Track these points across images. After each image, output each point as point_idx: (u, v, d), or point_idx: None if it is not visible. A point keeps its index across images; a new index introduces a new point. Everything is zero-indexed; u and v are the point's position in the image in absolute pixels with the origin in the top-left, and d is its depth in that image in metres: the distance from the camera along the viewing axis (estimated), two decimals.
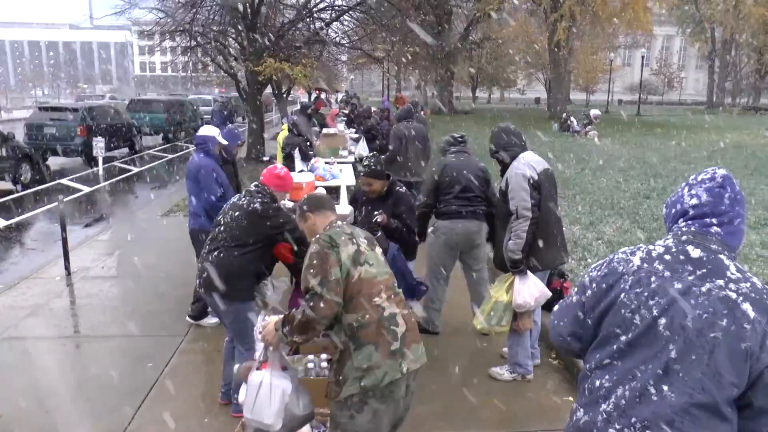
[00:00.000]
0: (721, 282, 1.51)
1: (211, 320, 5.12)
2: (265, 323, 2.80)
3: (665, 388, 1.50)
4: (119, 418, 3.72)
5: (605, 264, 1.72)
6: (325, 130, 12.79)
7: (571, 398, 3.91)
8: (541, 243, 3.83)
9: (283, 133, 9.53)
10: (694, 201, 1.65)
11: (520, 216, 3.78)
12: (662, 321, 1.52)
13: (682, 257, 1.57)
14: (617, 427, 1.54)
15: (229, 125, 6.08)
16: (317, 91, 22.16)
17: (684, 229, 1.63)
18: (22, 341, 4.90)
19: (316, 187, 6.11)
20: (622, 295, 1.61)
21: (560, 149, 16.40)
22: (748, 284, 1.51)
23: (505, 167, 4.02)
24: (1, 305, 5.67)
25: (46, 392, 4.05)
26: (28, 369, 4.42)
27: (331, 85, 28.39)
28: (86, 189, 12.42)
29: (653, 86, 67.55)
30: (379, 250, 2.65)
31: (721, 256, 1.56)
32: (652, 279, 1.57)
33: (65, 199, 7.07)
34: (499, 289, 3.92)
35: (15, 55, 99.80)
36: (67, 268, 6.50)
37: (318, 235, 2.56)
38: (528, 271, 3.84)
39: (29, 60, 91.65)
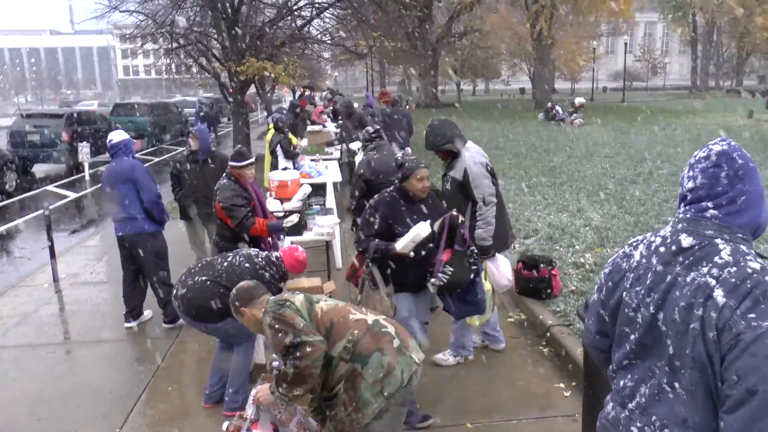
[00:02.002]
0: (705, 269, 1.43)
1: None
2: (258, 389, 2.77)
3: (676, 385, 1.46)
4: (111, 422, 3.71)
5: (612, 259, 1.71)
6: (310, 127, 12.76)
7: (562, 385, 3.96)
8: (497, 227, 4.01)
9: (271, 132, 9.50)
10: (690, 184, 1.54)
11: (488, 203, 3.89)
12: (660, 317, 1.49)
13: (674, 248, 1.51)
14: (639, 425, 1.53)
15: (200, 125, 6.09)
16: (302, 90, 22.08)
17: (681, 215, 1.56)
18: (12, 350, 4.87)
19: (302, 185, 6.10)
20: (624, 294, 1.59)
21: (546, 138, 16.48)
22: (735, 268, 1.40)
23: (452, 158, 4.03)
24: None
25: (38, 399, 4.04)
26: (19, 377, 4.39)
27: (315, 82, 28.29)
28: (73, 195, 12.32)
29: (637, 73, 67.86)
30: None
31: (717, 241, 1.46)
32: (648, 275, 1.54)
33: (51, 206, 7.01)
34: None
35: None
36: (54, 275, 6.45)
37: (264, 310, 2.57)
38: (495, 253, 3.99)
39: (10, 67, 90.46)
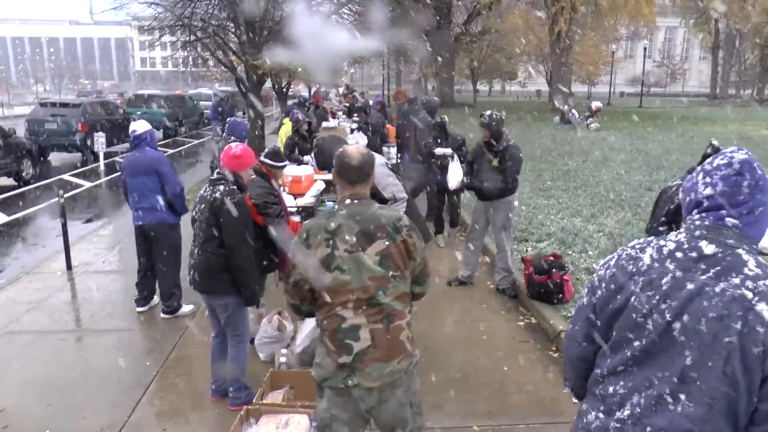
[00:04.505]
0: (736, 280, 1.38)
1: (187, 308, 5.26)
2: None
3: (682, 397, 1.40)
4: (120, 411, 3.74)
5: (613, 261, 1.60)
6: (324, 124, 12.77)
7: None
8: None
9: (285, 128, 9.53)
10: (709, 191, 1.47)
11: (398, 199, 4.12)
12: (676, 326, 1.41)
13: (694, 254, 1.44)
14: None
15: (231, 118, 6.10)
16: (317, 86, 22.12)
17: (698, 222, 1.49)
18: (24, 335, 4.92)
19: (316, 180, 6.10)
20: (633, 299, 1.49)
21: (561, 141, 16.36)
22: (766, 282, 1.36)
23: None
24: (4, 300, 5.70)
25: (48, 385, 4.08)
26: (30, 363, 4.44)
27: (332, 78, 28.32)
28: (87, 184, 12.43)
29: (656, 78, 67.23)
30: (372, 249, 2.27)
31: (740, 251, 1.42)
32: (664, 280, 1.45)
33: (66, 195, 7.08)
34: None
35: (16, 52, 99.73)
36: (68, 262, 6.51)
37: (305, 224, 2.42)
38: None
39: (30, 56, 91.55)
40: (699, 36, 54.53)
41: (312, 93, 20.00)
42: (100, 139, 13.91)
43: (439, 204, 7.36)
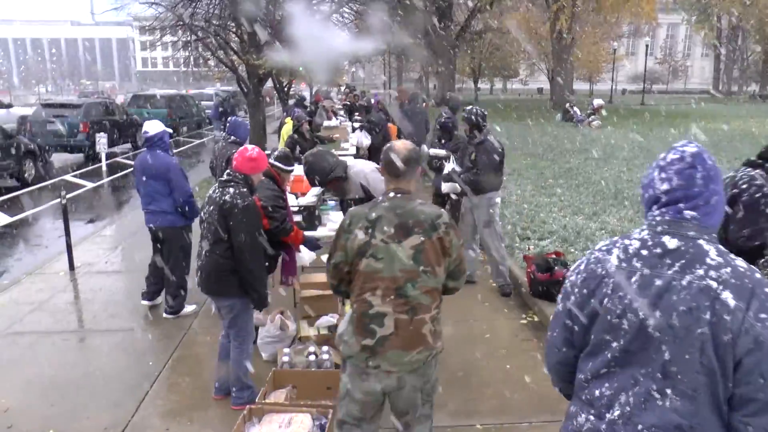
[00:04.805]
0: (700, 271, 1.42)
1: (189, 308, 5.27)
2: None
3: (668, 391, 1.42)
4: (123, 411, 3.74)
5: (583, 265, 1.61)
6: (326, 123, 12.78)
7: None
8: None
9: (287, 127, 9.52)
10: (665, 186, 1.53)
11: None
12: (650, 322, 1.44)
13: (658, 250, 1.49)
14: None
15: (232, 118, 6.08)
16: (319, 84, 22.09)
17: (658, 218, 1.53)
18: (27, 336, 4.93)
19: None
20: (606, 301, 1.51)
21: (563, 139, 16.33)
22: (729, 269, 1.42)
23: (341, 183, 4.19)
24: (7, 300, 5.71)
25: (51, 385, 4.09)
26: (34, 363, 4.45)
27: (333, 77, 28.30)
28: (89, 185, 12.45)
29: (658, 75, 67.04)
30: (407, 243, 2.36)
31: (701, 242, 1.47)
32: (633, 279, 1.49)
33: (68, 195, 7.09)
34: None
35: (18, 53, 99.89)
36: (70, 263, 6.52)
37: (350, 210, 2.54)
38: None
39: (32, 57, 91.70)
40: (701, 33, 54.35)
41: (313, 92, 19.98)
42: (101, 140, 13.92)
43: (441, 203, 7.34)
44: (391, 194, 2.46)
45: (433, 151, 6.72)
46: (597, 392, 1.54)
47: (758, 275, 1.44)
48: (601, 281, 1.54)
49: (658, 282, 1.45)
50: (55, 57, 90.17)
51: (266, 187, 4.09)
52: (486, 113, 5.51)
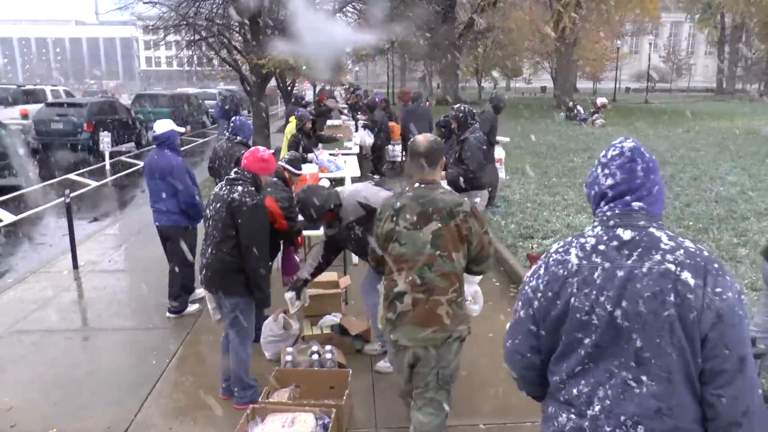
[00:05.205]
0: (657, 257, 1.48)
1: (192, 307, 5.27)
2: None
3: (644, 378, 1.47)
4: (126, 409, 3.75)
5: (543, 269, 1.64)
6: (329, 122, 12.77)
7: None
8: None
9: (290, 126, 9.51)
10: (610, 181, 1.60)
11: None
12: (618, 313, 1.48)
13: (615, 243, 1.53)
14: (607, 429, 1.49)
15: (236, 117, 6.06)
16: (322, 83, 22.09)
17: (609, 213, 1.59)
18: (31, 334, 4.94)
19: (320, 179, 6.09)
20: (573, 300, 1.54)
21: (567, 138, 16.29)
22: (682, 251, 1.49)
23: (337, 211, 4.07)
24: (11, 298, 5.73)
25: (55, 384, 4.09)
26: (37, 361, 4.46)
27: (336, 77, 28.30)
28: (93, 183, 12.48)
29: (661, 74, 66.81)
30: (427, 229, 2.58)
31: (652, 230, 1.53)
32: (596, 275, 1.52)
33: (72, 194, 7.10)
34: None
35: (23, 52, 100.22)
36: (74, 261, 6.54)
37: (387, 198, 2.87)
38: None
39: (37, 56, 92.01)
40: (704, 31, 54.16)
41: (317, 91, 19.98)
42: (105, 139, 13.95)
43: None
44: (416, 184, 2.70)
45: None
46: (575, 391, 1.56)
47: (706, 253, 1.51)
48: (564, 282, 1.57)
49: (620, 273, 1.50)
50: (59, 56, 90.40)
51: (281, 189, 4.14)
52: (475, 112, 5.57)
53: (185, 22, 14.03)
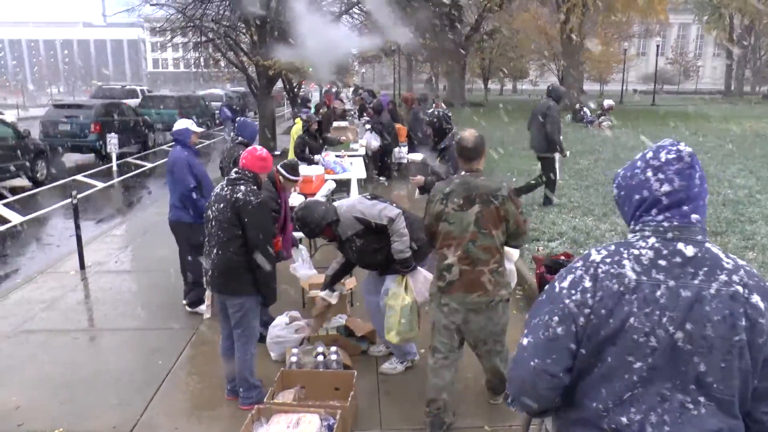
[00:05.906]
0: (723, 277, 1.38)
1: (203, 306, 5.23)
2: None
3: (702, 399, 1.39)
4: (132, 409, 3.76)
5: (589, 282, 1.46)
6: (336, 123, 12.79)
7: None
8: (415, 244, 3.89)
9: (296, 127, 9.54)
10: (666, 187, 1.45)
11: (394, 218, 3.80)
12: (679, 335, 1.37)
13: (678, 259, 1.41)
14: None
15: (240, 118, 6.11)
16: (329, 85, 22.13)
17: (665, 223, 1.45)
18: (38, 334, 4.97)
19: (326, 180, 6.10)
20: (632, 320, 1.40)
21: (573, 140, 16.24)
22: (743, 271, 1.41)
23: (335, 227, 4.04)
24: (18, 299, 5.76)
25: (61, 384, 4.11)
26: (44, 361, 4.48)
27: (343, 78, 28.34)
28: (100, 185, 12.55)
29: (669, 75, 66.54)
30: (471, 210, 3.02)
31: (708, 245, 1.43)
32: (658, 293, 1.39)
33: (79, 195, 7.14)
34: (397, 295, 3.79)
35: (31, 54, 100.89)
36: (81, 262, 6.57)
37: (434, 186, 3.29)
38: (417, 266, 3.88)
39: (45, 58, 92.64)
40: (713, 32, 53.88)
41: (323, 92, 20.01)
42: (112, 140, 14.02)
43: None
44: (463, 173, 3.19)
45: (411, 156, 6.65)
46: (624, 419, 1.42)
47: (755, 271, 1.46)
48: (620, 298, 1.41)
49: (686, 293, 1.39)
50: (67, 58, 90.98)
51: (266, 188, 4.19)
52: (450, 115, 5.15)
53: (192, 24, 14.10)
